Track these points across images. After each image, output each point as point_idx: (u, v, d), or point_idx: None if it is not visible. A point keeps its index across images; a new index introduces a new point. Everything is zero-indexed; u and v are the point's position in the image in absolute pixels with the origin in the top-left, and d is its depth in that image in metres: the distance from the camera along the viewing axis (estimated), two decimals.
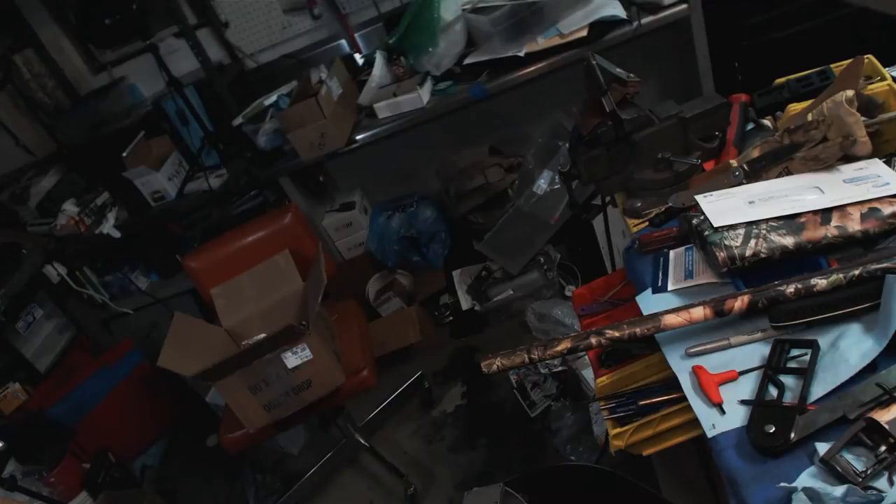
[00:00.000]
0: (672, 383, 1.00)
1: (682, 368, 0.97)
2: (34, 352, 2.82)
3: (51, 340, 2.93)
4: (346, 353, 2.14)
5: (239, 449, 2.14)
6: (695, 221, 1.09)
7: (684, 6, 2.38)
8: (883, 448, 0.75)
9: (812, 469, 0.77)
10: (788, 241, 0.99)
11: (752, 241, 1.00)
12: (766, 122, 1.38)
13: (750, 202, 1.07)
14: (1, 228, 3.00)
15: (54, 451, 2.44)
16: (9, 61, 3.13)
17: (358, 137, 2.64)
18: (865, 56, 1.22)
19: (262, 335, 2.14)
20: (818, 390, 0.85)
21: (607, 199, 1.57)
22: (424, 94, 2.56)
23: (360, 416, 2.52)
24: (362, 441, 2.45)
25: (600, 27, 2.39)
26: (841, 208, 1.00)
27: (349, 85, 2.76)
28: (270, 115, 2.74)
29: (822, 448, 0.78)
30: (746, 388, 0.90)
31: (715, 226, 1.04)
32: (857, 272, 0.90)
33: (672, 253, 1.18)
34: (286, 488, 2.54)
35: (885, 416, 0.77)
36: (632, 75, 1.33)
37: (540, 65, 2.46)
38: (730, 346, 0.96)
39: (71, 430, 2.66)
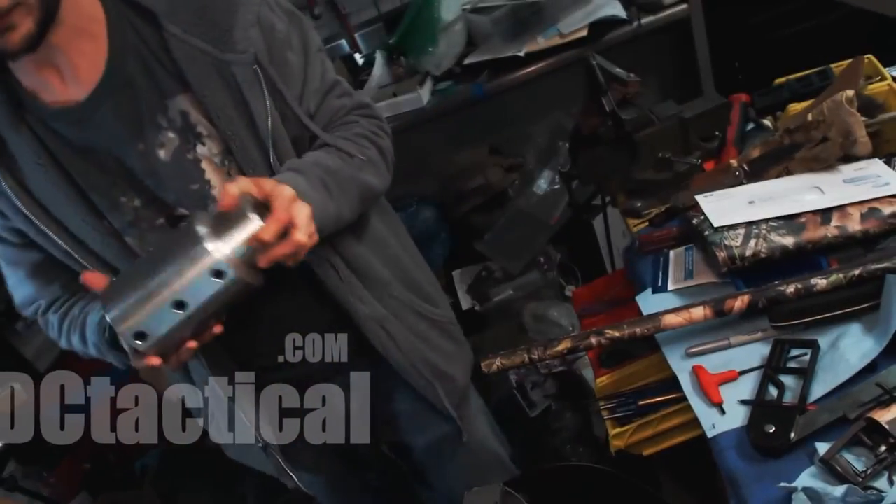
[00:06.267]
0: (672, 383, 1.00)
1: (682, 368, 0.97)
2: (34, 352, 2.82)
3: (51, 340, 2.92)
4: None
5: None
6: (695, 221, 1.09)
7: (684, 6, 2.38)
8: (883, 448, 0.75)
9: (812, 469, 0.77)
10: (788, 241, 0.99)
11: (752, 241, 1.00)
12: (766, 122, 1.38)
13: (750, 202, 1.07)
14: None
15: (54, 451, 2.44)
16: None
17: None
18: (865, 56, 1.22)
19: None
20: (818, 390, 0.85)
21: (607, 199, 1.57)
22: (424, 94, 2.56)
23: None
24: None
25: (600, 27, 2.39)
26: (841, 208, 1.00)
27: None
28: None
29: (822, 448, 0.78)
30: (746, 388, 0.90)
31: (715, 226, 1.04)
32: (857, 272, 0.90)
33: (672, 253, 1.17)
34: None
35: (885, 416, 0.76)
36: (632, 75, 1.33)
37: (540, 65, 2.45)
38: (730, 346, 0.96)
39: None
